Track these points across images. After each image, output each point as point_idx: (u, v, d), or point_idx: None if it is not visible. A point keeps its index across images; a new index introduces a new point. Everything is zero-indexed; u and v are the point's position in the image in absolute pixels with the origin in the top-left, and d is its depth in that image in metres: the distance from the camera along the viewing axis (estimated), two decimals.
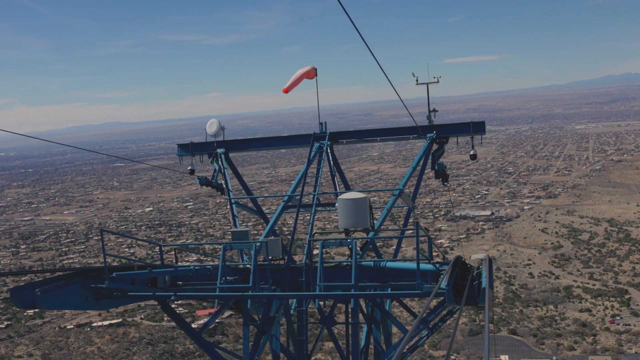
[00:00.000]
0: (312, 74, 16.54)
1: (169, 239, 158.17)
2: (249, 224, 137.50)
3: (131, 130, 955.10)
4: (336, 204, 13.93)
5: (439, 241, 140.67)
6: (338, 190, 15.78)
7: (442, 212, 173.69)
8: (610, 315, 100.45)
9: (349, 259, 12.83)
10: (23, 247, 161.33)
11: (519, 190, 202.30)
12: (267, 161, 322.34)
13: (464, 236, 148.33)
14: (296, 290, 13.85)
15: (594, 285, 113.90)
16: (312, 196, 15.62)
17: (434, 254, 13.17)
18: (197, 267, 13.10)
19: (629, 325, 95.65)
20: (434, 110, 17.28)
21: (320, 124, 17.25)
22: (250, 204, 18.60)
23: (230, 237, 14.24)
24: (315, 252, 12.93)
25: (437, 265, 11.98)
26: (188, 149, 18.81)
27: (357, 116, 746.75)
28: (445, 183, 18.44)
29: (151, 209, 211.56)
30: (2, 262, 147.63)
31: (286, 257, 14.39)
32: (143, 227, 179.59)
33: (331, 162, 16.70)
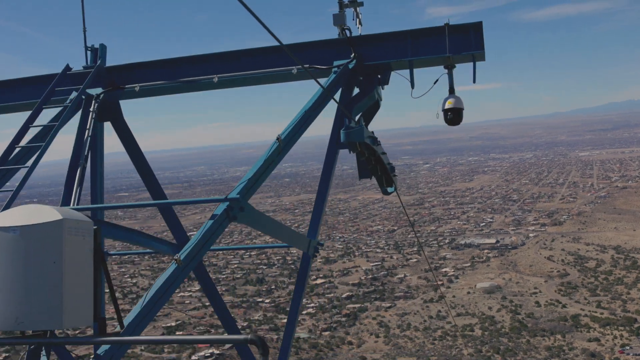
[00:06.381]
0: None
1: None
2: None
3: None
4: None
5: (444, 270, 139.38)
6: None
7: (447, 240, 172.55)
8: (619, 344, 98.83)
9: None
10: None
11: (524, 218, 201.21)
12: (271, 190, 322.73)
13: (468, 264, 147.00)
14: None
15: (602, 313, 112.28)
16: None
17: None
18: None
19: (639, 355, 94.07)
20: (358, 3, 7.66)
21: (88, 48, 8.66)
22: None
23: None
24: None
25: None
26: None
27: None
28: (390, 189, 9.82)
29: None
30: None
31: None
32: (147, 257, 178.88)
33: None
